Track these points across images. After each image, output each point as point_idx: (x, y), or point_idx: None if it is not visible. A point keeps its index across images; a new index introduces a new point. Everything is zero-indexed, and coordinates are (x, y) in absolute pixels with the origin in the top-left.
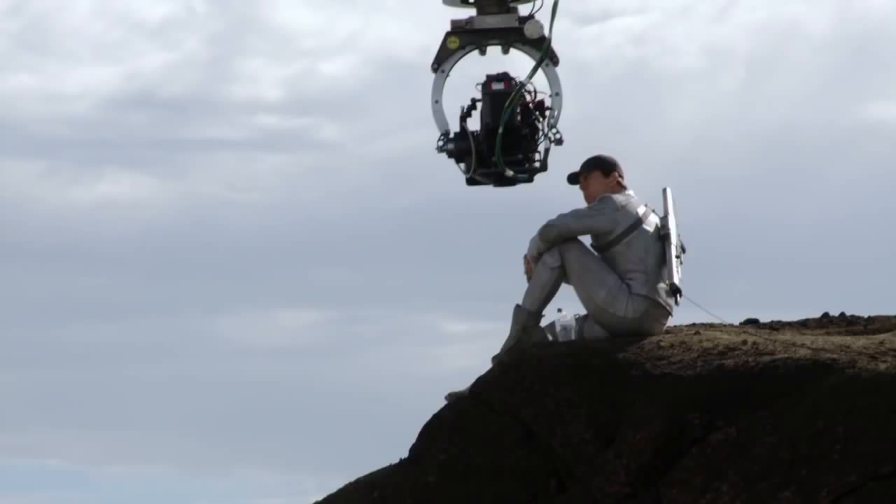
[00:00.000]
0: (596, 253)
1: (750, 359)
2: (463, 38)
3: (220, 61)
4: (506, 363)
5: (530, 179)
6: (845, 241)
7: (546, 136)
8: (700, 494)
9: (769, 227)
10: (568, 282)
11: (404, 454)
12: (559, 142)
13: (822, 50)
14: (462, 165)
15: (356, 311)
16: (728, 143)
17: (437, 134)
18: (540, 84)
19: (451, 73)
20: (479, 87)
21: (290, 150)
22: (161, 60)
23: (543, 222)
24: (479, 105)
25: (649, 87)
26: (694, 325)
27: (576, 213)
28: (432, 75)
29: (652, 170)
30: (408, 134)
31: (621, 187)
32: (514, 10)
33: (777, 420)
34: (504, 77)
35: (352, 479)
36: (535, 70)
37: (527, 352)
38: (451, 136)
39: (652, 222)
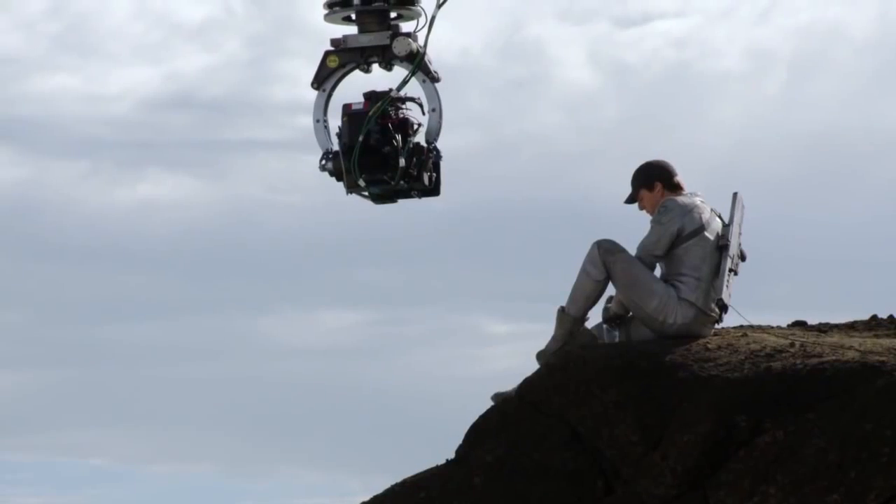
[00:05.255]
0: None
1: (798, 361)
2: (343, 57)
3: (261, 62)
4: (552, 364)
5: (432, 193)
6: (893, 242)
7: (402, 153)
8: (747, 497)
9: (815, 229)
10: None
11: (450, 455)
12: (437, 157)
13: (865, 52)
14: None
15: (399, 311)
16: (770, 145)
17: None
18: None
19: (335, 91)
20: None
21: None
22: (201, 62)
23: (588, 224)
24: None
25: (691, 90)
26: (741, 327)
27: (649, 240)
28: (473, 76)
29: (694, 173)
30: (448, 134)
31: (675, 189)
32: (395, 27)
33: (825, 423)
34: (371, 96)
35: (397, 479)
36: (402, 84)
37: (573, 353)
38: (331, 155)
39: (714, 230)
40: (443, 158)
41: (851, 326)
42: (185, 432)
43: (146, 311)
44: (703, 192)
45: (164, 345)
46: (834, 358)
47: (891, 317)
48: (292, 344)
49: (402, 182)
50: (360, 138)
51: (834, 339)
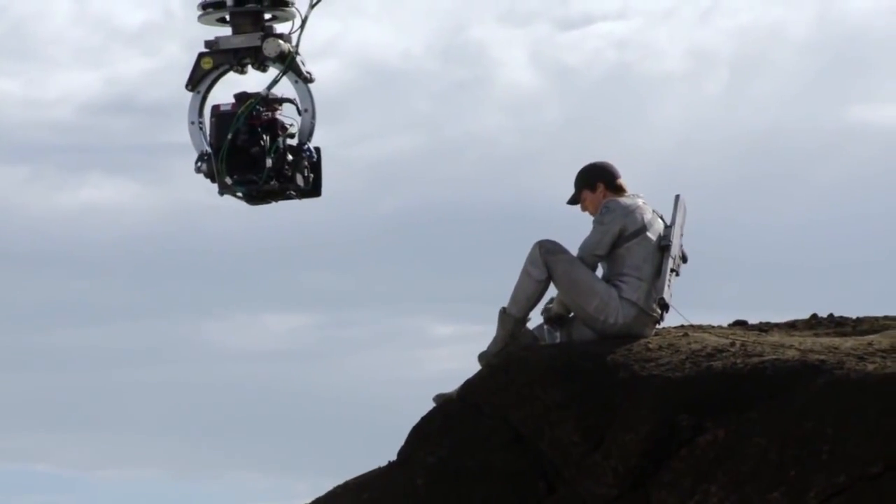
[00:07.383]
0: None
1: (738, 360)
2: (217, 58)
3: None
4: (494, 365)
5: (312, 194)
6: (833, 243)
7: (270, 153)
8: (688, 496)
9: (756, 230)
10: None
11: (393, 457)
12: (310, 157)
13: (805, 53)
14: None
15: (344, 314)
16: (713, 146)
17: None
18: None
19: (210, 92)
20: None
21: None
22: (141, 65)
23: (528, 225)
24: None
25: (633, 92)
26: (682, 326)
27: (591, 240)
28: (415, 79)
29: (637, 174)
30: (391, 137)
31: (618, 191)
32: (269, 28)
33: (766, 421)
34: (242, 97)
35: (341, 481)
36: (272, 84)
37: (515, 354)
38: (206, 157)
39: (656, 230)
40: (319, 159)
41: (792, 326)
42: (131, 437)
43: (90, 315)
44: (645, 193)
45: (108, 349)
46: (774, 357)
47: (831, 316)
48: (237, 348)
49: (272, 182)
50: (228, 138)
51: (774, 338)
